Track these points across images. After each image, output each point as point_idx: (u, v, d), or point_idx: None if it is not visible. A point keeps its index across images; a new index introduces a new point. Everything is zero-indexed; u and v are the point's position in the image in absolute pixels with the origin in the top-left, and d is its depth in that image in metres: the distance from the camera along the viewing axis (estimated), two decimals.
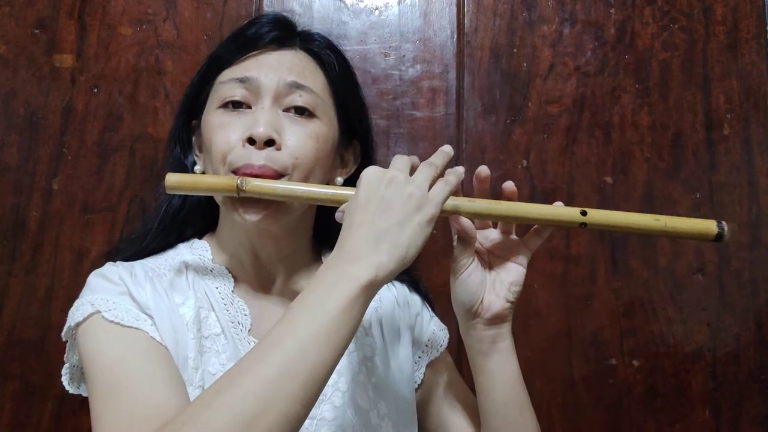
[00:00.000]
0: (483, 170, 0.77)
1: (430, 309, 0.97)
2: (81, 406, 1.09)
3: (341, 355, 0.62)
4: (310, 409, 0.60)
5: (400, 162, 0.71)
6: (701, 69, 1.23)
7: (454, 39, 1.22)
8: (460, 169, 0.76)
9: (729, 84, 1.23)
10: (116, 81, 1.17)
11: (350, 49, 1.20)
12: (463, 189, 0.78)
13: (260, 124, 0.77)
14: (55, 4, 1.18)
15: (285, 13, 0.92)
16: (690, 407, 1.17)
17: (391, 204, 0.67)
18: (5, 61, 1.16)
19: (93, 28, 1.18)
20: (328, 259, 0.66)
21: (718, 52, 1.23)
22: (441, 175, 0.73)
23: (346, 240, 0.66)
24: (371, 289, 0.64)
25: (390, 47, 1.22)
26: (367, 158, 0.90)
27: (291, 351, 0.59)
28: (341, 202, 0.71)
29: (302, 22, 0.90)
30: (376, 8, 1.23)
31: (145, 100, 1.17)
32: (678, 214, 1.19)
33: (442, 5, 1.23)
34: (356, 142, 0.91)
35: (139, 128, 1.16)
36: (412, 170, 0.72)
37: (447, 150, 0.75)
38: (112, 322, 0.72)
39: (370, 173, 0.69)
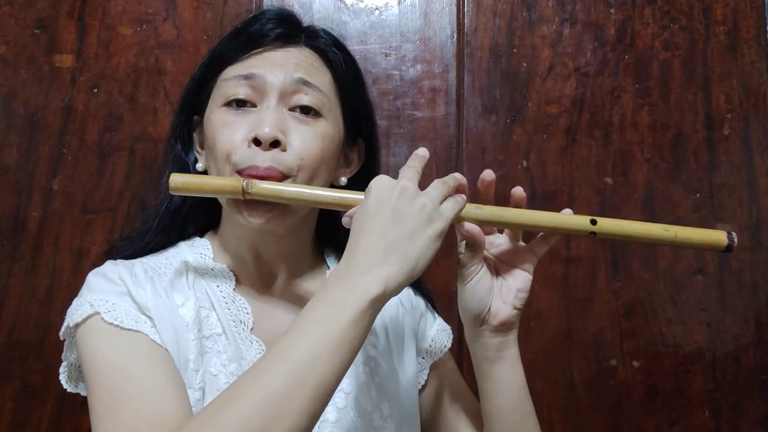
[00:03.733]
0: (488, 174, 0.76)
1: (433, 311, 0.96)
2: (81, 406, 1.09)
3: (348, 367, 0.61)
4: (316, 421, 0.59)
5: (410, 173, 0.70)
6: (701, 69, 1.23)
7: (454, 39, 1.22)
8: (464, 196, 0.75)
9: (729, 84, 1.22)
10: (116, 81, 1.17)
11: (350, 49, 1.19)
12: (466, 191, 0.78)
13: (266, 125, 0.76)
14: (55, 4, 1.18)
15: (289, 8, 0.90)
16: (690, 407, 1.17)
17: (403, 215, 0.66)
18: (5, 61, 1.16)
19: (93, 28, 1.18)
20: (337, 269, 0.66)
21: (718, 52, 1.23)
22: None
23: (355, 250, 0.65)
24: (379, 302, 0.63)
25: (390, 47, 1.22)
26: (371, 157, 0.89)
27: (298, 365, 0.58)
28: (348, 207, 0.71)
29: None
30: (376, 8, 1.23)
31: (145, 100, 1.17)
32: (678, 215, 1.19)
33: (442, 5, 1.23)
34: (361, 141, 0.90)
35: (139, 128, 1.16)
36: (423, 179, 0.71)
37: (459, 177, 0.74)
38: (112, 324, 0.71)
39: (381, 182, 0.68)
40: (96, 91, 1.16)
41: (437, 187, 0.70)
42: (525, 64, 1.22)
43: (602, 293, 1.18)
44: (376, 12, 1.23)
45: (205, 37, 1.18)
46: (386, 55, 1.22)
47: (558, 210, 0.76)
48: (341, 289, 0.63)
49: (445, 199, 0.71)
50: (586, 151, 1.21)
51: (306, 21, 0.89)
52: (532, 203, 1.17)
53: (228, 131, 0.78)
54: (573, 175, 1.20)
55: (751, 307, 1.18)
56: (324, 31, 0.87)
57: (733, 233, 0.75)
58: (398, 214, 0.66)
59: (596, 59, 1.23)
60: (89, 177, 1.14)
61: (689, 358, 1.17)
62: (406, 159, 1.18)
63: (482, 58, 1.22)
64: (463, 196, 0.74)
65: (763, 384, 1.17)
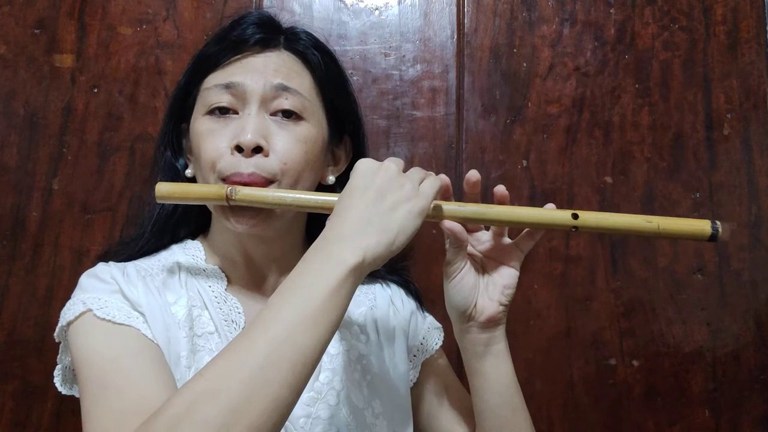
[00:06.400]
0: (473, 175, 0.78)
1: (423, 310, 0.97)
2: (80, 406, 1.09)
3: (330, 338, 0.62)
4: (299, 394, 0.60)
5: (395, 159, 0.72)
6: (701, 69, 1.23)
7: (454, 39, 1.22)
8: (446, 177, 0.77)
9: (729, 84, 1.22)
10: (116, 81, 1.17)
11: (350, 49, 1.20)
12: (457, 193, 0.78)
13: (247, 132, 0.77)
14: (55, 4, 1.18)
15: (271, 11, 0.91)
16: (690, 407, 1.17)
17: (384, 191, 0.68)
18: (5, 61, 1.16)
19: (93, 28, 1.18)
20: (316, 242, 0.66)
21: (718, 52, 1.23)
22: None
23: (334, 223, 0.67)
24: (359, 272, 0.64)
25: (390, 47, 1.22)
26: (359, 154, 0.90)
27: (277, 335, 0.58)
28: (330, 209, 0.71)
29: (302, 22, 0.90)
30: (376, 8, 1.23)
31: (145, 100, 1.17)
32: (678, 215, 1.19)
33: (442, 5, 1.23)
34: (347, 139, 0.91)
35: (139, 128, 1.16)
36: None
37: (443, 177, 0.77)
38: (104, 319, 0.72)
39: (364, 164, 0.70)
40: (96, 91, 1.16)
41: (415, 170, 0.73)
42: (525, 64, 1.22)
43: (602, 292, 1.18)
44: (376, 12, 1.23)
45: (205, 37, 1.18)
46: (386, 55, 1.22)
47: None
48: (320, 260, 0.64)
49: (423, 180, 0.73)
50: (586, 150, 1.21)
51: (306, 22, 0.89)
52: (532, 203, 1.18)
53: (212, 140, 0.79)
54: (573, 175, 1.20)
55: (751, 307, 1.18)
56: (305, 32, 0.88)
57: (718, 222, 0.74)
58: (379, 191, 0.67)
59: (596, 59, 1.23)
60: (89, 177, 1.15)
61: (689, 357, 1.17)
62: (406, 159, 1.19)
63: (482, 58, 1.22)
64: (443, 175, 0.76)
65: (763, 384, 1.17)
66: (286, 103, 0.80)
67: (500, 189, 0.77)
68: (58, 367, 0.81)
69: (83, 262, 1.12)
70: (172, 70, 1.17)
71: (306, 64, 0.85)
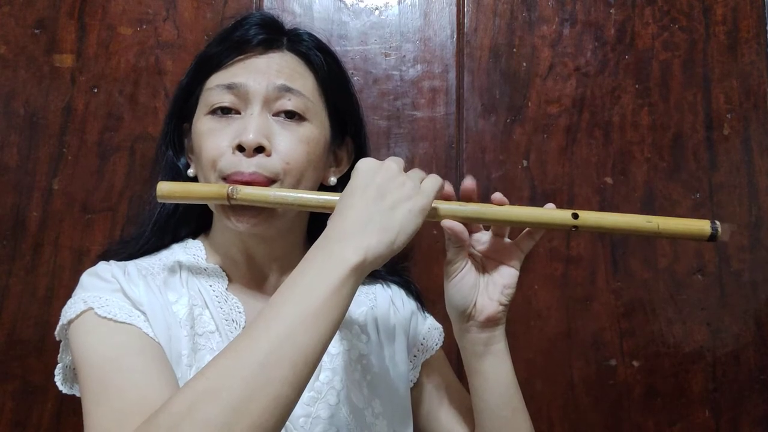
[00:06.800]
0: (468, 183, 0.77)
1: (424, 310, 0.97)
2: (81, 405, 1.09)
3: (331, 337, 0.62)
4: (301, 392, 0.60)
5: (395, 158, 0.73)
6: (701, 69, 1.23)
7: (454, 39, 1.22)
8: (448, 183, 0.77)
9: (729, 84, 1.22)
10: (116, 81, 1.17)
11: (351, 49, 1.20)
12: (458, 193, 0.78)
13: (250, 131, 0.77)
14: (55, 4, 1.18)
15: (272, 11, 0.90)
16: (690, 407, 1.17)
17: (385, 191, 0.68)
18: (5, 61, 1.16)
19: (93, 28, 1.18)
20: (318, 241, 0.66)
21: (718, 52, 1.23)
22: None
23: (336, 222, 0.67)
24: (360, 271, 0.64)
25: (390, 47, 1.22)
26: (360, 155, 0.90)
27: (279, 334, 0.59)
28: (332, 208, 0.71)
29: (302, 23, 0.90)
30: (376, 8, 1.23)
31: (145, 100, 1.17)
32: (678, 215, 1.19)
33: (442, 5, 1.23)
34: (349, 140, 0.91)
35: (139, 128, 1.16)
36: None
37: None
38: (105, 318, 0.72)
39: (365, 163, 0.71)
40: (96, 91, 1.16)
41: (416, 170, 0.73)
42: (525, 64, 1.22)
43: (602, 292, 1.18)
44: (376, 12, 1.23)
45: (205, 37, 1.18)
46: (386, 55, 1.22)
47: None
48: (321, 259, 0.64)
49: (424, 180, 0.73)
50: (586, 150, 1.21)
51: (306, 22, 0.89)
52: (533, 203, 1.18)
53: (213, 139, 0.79)
54: (573, 175, 1.20)
55: (751, 307, 1.18)
56: (308, 33, 0.88)
57: (717, 222, 0.74)
58: (380, 190, 0.68)
59: (596, 59, 1.23)
60: (89, 177, 1.15)
61: (689, 358, 1.17)
62: (407, 159, 1.19)
63: (482, 58, 1.22)
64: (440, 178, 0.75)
65: (763, 384, 1.17)
66: (288, 104, 0.80)
67: (497, 196, 0.77)
68: (59, 366, 0.81)
69: (83, 262, 1.12)
70: (172, 70, 1.17)
71: (309, 66, 0.85)
